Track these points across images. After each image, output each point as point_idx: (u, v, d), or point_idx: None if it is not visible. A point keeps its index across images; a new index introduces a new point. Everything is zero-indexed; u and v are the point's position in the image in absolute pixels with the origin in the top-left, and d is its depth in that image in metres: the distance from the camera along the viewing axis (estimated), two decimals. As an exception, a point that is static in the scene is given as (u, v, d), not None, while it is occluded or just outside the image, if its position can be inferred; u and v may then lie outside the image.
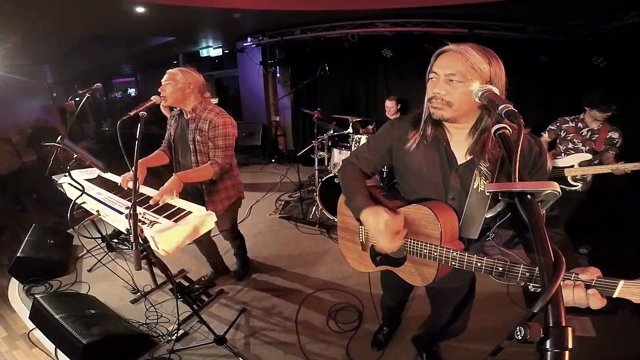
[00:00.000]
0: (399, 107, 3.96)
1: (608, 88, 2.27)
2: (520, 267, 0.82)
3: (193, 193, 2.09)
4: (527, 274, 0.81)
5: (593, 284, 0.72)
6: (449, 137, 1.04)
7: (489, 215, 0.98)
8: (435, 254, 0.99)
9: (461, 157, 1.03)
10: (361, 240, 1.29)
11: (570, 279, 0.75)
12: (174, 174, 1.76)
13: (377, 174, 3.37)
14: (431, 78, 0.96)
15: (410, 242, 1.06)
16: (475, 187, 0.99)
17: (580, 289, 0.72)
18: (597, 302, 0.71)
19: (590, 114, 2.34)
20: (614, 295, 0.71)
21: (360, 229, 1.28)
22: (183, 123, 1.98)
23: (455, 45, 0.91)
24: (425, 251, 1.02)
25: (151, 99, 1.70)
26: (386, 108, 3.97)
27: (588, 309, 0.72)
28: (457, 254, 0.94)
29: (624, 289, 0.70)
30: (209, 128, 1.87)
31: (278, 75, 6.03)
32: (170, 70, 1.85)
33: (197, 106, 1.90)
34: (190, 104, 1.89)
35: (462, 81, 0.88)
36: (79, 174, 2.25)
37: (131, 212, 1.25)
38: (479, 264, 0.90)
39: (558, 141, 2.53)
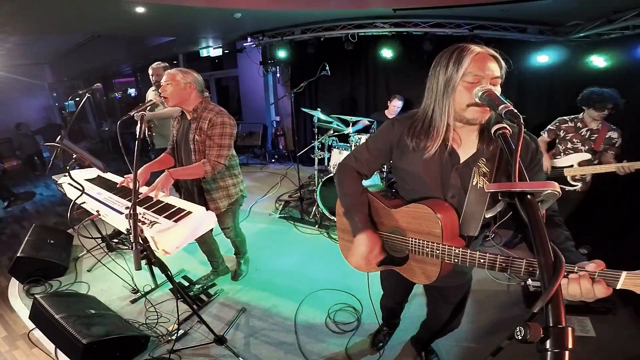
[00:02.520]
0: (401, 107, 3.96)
1: (603, 87, 2.27)
2: (523, 261, 0.82)
3: (196, 192, 2.09)
4: (531, 269, 0.81)
5: (596, 276, 0.72)
6: (452, 137, 1.03)
7: (488, 215, 0.99)
8: (437, 251, 1.00)
9: (463, 155, 1.03)
10: None
11: (574, 272, 0.74)
12: (166, 170, 1.76)
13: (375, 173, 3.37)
14: (470, 81, 0.89)
15: (412, 240, 1.07)
16: (474, 184, 0.99)
17: (586, 280, 0.72)
18: (602, 290, 0.71)
19: (587, 113, 2.35)
20: (617, 287, 0.71)
21: None
22: (185, 124, 1.99)
23: (481, 47, 0.92)
24: (427, 249, 1.03)
25: (151, 99, 1.71)
26: (394, 107, 3.95)
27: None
28: (459, 251, 0.95)
29: (626, 280, 0.70)
30: (207, 127, 1.87)
31: (278, 75, 6.03)
32: (169, 70, 1.85)
33: (198, 106, 1.90)
34: (191, 104, 1.89)
35: (500, 84, 0.91)
36: (79, 174, 2.26)
37: (131, 212, 1.26)
38: (481, 260, 0.91)
39: (557, 141, 2.54)
